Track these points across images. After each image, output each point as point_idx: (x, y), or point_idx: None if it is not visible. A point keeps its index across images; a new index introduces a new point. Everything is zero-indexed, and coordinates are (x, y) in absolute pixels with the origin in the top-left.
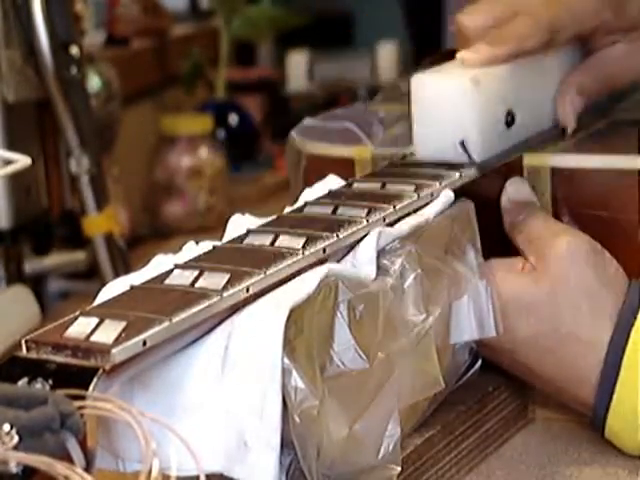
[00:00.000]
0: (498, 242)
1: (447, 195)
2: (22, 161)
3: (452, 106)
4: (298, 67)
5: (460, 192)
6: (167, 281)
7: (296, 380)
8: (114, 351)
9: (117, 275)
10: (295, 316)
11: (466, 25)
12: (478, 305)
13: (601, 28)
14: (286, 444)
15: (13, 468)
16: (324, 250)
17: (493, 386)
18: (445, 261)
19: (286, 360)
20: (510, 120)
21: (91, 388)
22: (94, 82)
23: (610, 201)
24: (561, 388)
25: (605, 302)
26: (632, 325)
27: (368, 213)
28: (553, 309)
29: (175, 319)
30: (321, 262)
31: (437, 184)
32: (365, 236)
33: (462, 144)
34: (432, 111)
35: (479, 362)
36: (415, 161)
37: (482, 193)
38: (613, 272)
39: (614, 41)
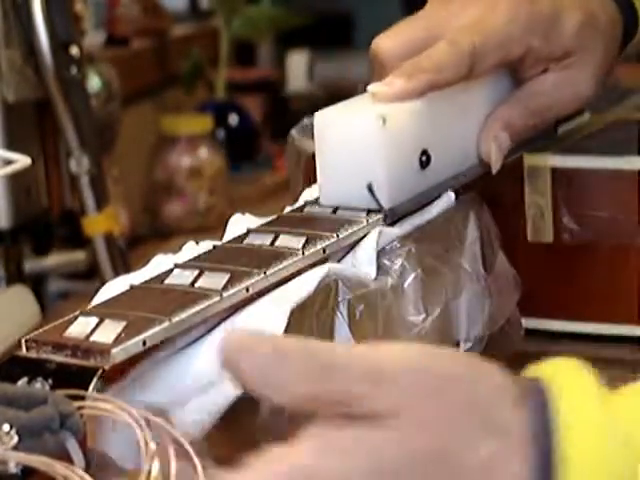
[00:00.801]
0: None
1: (448, 196)
2: (22, 161)
3: (358, 147)
4: (298, 67)
5: (461, 191)
6: (167, 281)
7: None
8: (114, 351)
9: (117, 275)
10: (295, 316)
11: (381, 50)
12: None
13: (529, 55)
14: None
15: (12, 468)
16: (324, 250)
17: None
18: (445, 260)
19: None
20: (425, 161)
21: (91, 388)
22: (94, 82)
23: (610, 201)
24: None
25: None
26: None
27: (368, 214)
28: None
29: (175, 319)
30: (321, 262)
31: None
32: (365, 236)
33: (369, 188)
34: (337, 152)
35: None
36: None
37: (483, 192)
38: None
39: (545, 69)
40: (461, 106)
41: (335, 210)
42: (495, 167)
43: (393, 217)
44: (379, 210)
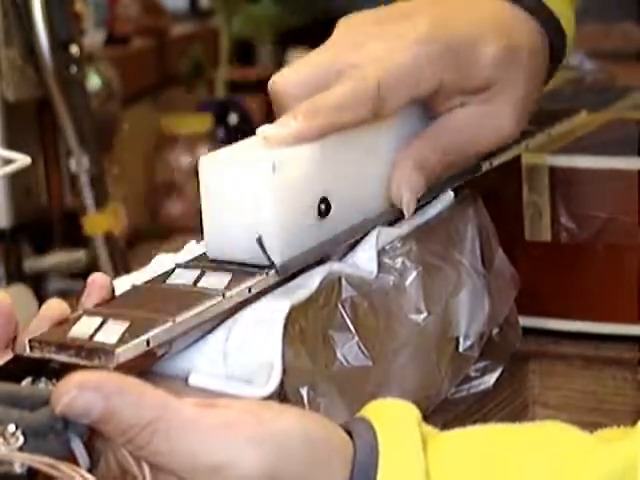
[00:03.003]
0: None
1: (446, 195)
2: (22, 161)
3: (246, 196)
4: None
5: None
6: (169, 281)
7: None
8: (118, 351)
9: (117, 274)
10: (298, 314)
11: (278, 87)
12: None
13: (444, 89)
14: None
15: (18, 469)
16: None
17: (493, 386)
18: (445, 258)
19: (287, 358)
20: (325, 209)
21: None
22: (94, 81)
23: (608, 201)
24: None
25: None
26: None
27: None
28: None
29: (178, 319)
30: (322, 262)
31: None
32: (365, 236)
33: (259, 242)
34: (223, 201)
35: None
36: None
37: (481, 191)
38: None
39: (462, 103)
40: (367, 147)
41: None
42: (408, 211)
43: (286, 272)
44: (269, 266)
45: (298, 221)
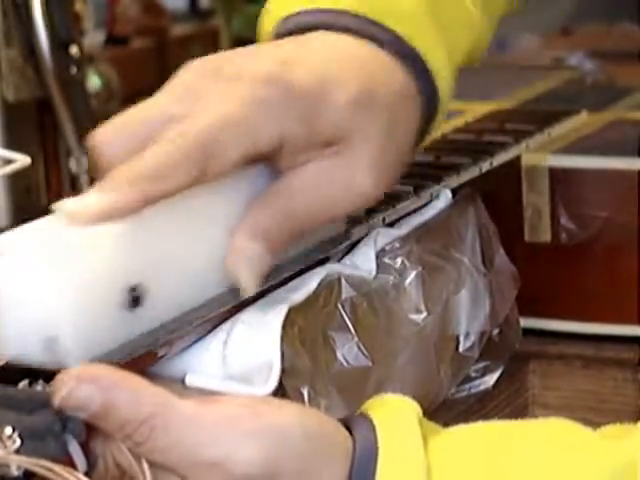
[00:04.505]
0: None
1: (445, 195)
2: (22, 161)
3: (33, 288)
4: None
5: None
6: None
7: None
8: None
9: None
10: (297, 315)
11: (96, 147)
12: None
13: (287, 143)
14: None
15: (14, 471)
16: None
17: (493, 386)
18: (446, 257)
19: (287, 358)
20: (135, 298)
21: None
22: (94, 82)
23: (608, 201)
24: None
25: None
26: None
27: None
28: None
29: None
30: (321, 262)
31: None
32: (365, 236)
33: (51, 342)
34: (6, 295)
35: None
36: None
37: (481, 191)
38: None
39: (310, 159)
40: (196, 218)
41: None
42: (247, 291)
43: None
44: (52, 374)
45: (102, 316)
